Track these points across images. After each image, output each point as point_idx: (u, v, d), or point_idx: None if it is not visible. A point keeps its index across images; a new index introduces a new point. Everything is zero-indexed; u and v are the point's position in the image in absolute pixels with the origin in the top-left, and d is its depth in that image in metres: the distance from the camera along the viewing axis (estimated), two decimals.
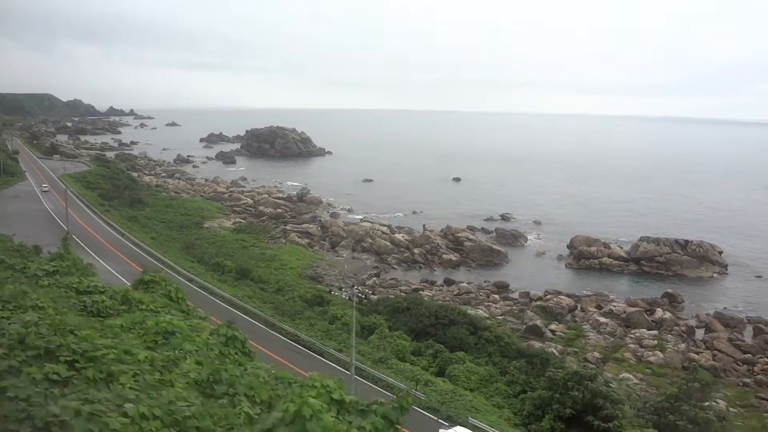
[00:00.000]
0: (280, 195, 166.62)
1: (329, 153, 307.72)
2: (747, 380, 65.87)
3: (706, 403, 45.53)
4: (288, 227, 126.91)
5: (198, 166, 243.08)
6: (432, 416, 41.79)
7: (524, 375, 50.57)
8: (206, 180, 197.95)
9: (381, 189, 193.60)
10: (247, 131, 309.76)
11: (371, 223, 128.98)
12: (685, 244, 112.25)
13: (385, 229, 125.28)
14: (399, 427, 10.02)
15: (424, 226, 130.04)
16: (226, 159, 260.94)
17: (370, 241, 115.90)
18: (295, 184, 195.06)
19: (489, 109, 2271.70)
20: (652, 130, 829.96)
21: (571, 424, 43.95)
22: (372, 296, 76.91)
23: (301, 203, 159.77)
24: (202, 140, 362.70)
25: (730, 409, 57.23)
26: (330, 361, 50.40)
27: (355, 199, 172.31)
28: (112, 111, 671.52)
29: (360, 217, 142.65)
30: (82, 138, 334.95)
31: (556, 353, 66.70)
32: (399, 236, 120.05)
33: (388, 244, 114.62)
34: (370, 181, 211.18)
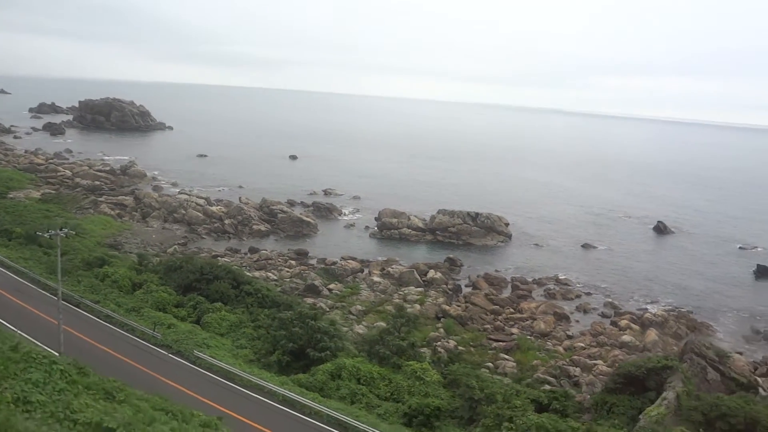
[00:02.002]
0: (103, 168, 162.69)
1: (169, 128, 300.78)
2: (487, 326, 76.68)
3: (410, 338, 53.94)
4: (101, 199, 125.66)
5: (21, 137, 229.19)
6: (164, 351, 46.76)
7: (270, 320, 56.62)
8: (26, 151, 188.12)
9: (213, 164, 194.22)
10: (80, 102, 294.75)
11: (188, 195, 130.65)
12: (475, 216, 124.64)
13: (202, 201, 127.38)
14: None
15: (239, 198, 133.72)
16: (54, 130, 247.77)
17: (183, 212, 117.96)
18: (124, 157, 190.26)
19: (342, 91, 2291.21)
20: (503, 118, 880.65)
21: (297, 357, 50.57)
22: (155, 258, 79.93)
23: (124, 176, 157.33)
24: (31, 110, 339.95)
25: (460, 347, 67.10)
26: (83, 310, 53.93)
27: (183, 173, 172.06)
28: None
29: (179, 190, 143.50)
30: None
31: (325, 307, 74.08)
32: (214, 208, 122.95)
33: (201, 215, 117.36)
34: (205, 156, 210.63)
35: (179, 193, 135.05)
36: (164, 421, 23.33)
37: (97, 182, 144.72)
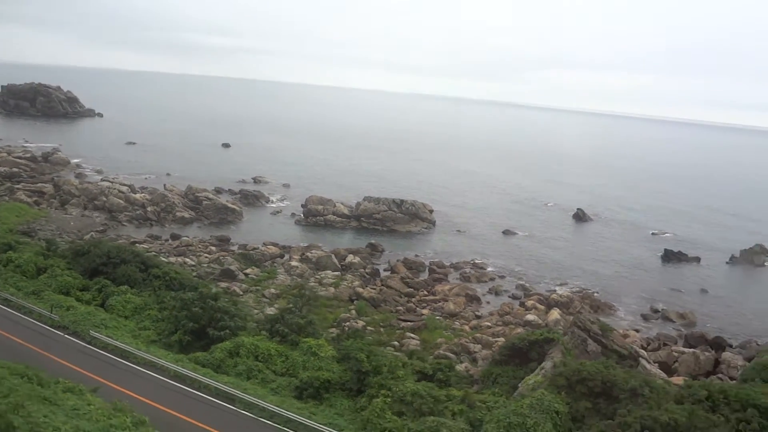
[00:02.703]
0: (23, 155, 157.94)
1: (99, 115, 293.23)
2: (400, 308, 79.06)
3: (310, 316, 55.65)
4: (18, 186, 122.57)
5: None
6: (60, 332, 47.09)
7: (174, 302, 57.17)
8: None
9: (142, 152, 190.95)
10: (2, 87, 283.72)
11: (110, 182, 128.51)
12: (400, 203, 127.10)
13: (125, 188, 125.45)
14: None
15: (164, 185, 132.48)
16: None
17: (104, 199, 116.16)
18: (48, 145, 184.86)
19: (295, 81, 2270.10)
20: (446, 109, 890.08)
21: (199, 337, 51.49)
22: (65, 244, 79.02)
23: (46, 164, 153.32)
24: None
25: (369, 327, 69.20)
26: None
27: (109, 161, 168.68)
28: None
29: (102, 177, 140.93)
30: None
31: (239, 290, 75.06)
32: (137, 195, 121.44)
33: (122, 202, 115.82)
34: (134, 144, 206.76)
35: (102, 180, 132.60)
36: (18, 383, 24.10)
37: (16, 169, 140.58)
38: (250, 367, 46.75)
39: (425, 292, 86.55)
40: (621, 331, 79.01)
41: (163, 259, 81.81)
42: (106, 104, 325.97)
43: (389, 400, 38.47)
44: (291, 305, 55.46)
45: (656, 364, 66.53)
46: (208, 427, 36.07)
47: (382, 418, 37.39)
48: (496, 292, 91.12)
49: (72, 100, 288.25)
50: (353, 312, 73.60)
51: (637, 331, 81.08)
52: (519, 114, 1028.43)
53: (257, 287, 77.84)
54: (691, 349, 73.25)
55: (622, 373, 39.18)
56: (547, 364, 46.44)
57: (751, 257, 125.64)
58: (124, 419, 29.95)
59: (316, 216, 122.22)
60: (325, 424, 37.43)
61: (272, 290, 76.11)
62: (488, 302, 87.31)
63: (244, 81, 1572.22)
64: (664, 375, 58.91)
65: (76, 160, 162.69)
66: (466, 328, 73.93)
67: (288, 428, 37.01)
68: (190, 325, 50.63)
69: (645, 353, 66.33)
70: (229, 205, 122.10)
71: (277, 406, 38.63)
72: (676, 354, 71.92)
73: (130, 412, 31.32)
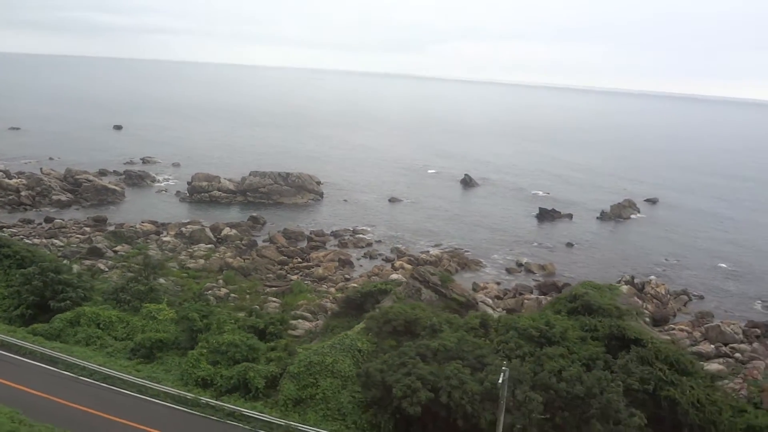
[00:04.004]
0: None
1: None
2: (270, 275, 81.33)
3: (156, 281, 57.21)
4: None
5: None
6: None
7: (19, 278, 57.10)
8: None
9: (25, 137, 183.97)
10: None
11: None
12: (286, 176, 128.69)
13: (0, 174, 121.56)
14: None
15: (41, 169, 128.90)
16: None
17: None
18: None
19: (200, 60, 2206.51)
20: (353, 84, 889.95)
21: (43, 310, 52.01)
22: None
23: None
24: None
25: (233, 295, 71.16)
26: None
27: None
28: None
29: None
30: None
31: (103, 267, 75.35)
32: (12, 181, 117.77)
33: None
34: (17, 129, 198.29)
35: None
36: None
37: None
38: (90, 334, 47.90)
39: (299, 260, 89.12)
40: (481, 284, 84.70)
41: (27, 241, 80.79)
42: None
43: (205, 351, 40.81)
44: (134, 274, 56.65)
45: (504, 311, 71.96)
46: (25, 388, 37.38)
47: (197, 367, 39.75)
48: (371, 256, 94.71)
49: None
50: (220, 281, 75.27)
51: (498, 283, 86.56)
52: (425, 86, 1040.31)
53: (124, 263, 78.05)
54: (541, 296, 79.38)
55: (422, 312, 42.62)
56: (373, 313, 49.78)
57: (619, 211, 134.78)
58: None
59: (200, 193, 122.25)
60: (144, 378, 39.47)
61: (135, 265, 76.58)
62: (361, 265, 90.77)
63: (151, 62, 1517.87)
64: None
65: None
66: (333, 290, 76.95)
67: (106, 384, 38.79)
68: (31, 299, 51.17)
69: (488, 300, 71.74)
70: (110, 186, 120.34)
71: (99, 366, 40.29)
72: (527, 301, 77.61)
73: None
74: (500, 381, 28.69)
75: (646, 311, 79.60)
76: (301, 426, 35.14)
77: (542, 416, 31.13)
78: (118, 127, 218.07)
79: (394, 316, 41.69)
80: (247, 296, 72.72)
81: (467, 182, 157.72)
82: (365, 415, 35.54)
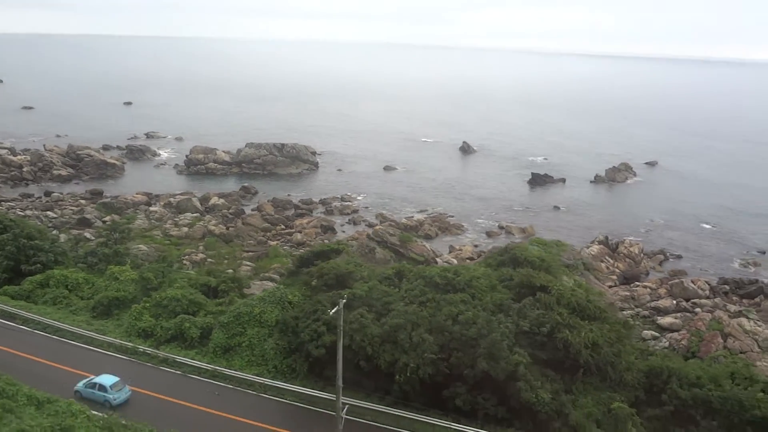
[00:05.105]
0: None
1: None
2: (251, 241, 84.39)
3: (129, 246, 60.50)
4: None
5: None
6: None
7: None
8: None
9: (38, 116, 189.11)
10: None
11: None
12: (281, 147, 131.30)
13: (4, 152, 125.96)
14: None
15: (44, 146, 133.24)
16: None
17: None
18: None
19: (216, 35, 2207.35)
20: (374, 56, 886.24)
21: (18, 274, 55.56)
22: None
23: None
24: None
25: (209, 260, 74.40)
26: None
27: (1, 126, 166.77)
28: None
29: None
30: None
31: (89, 236, 79.01)
32: (16, 158, 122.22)
33: None
34: (31, 108, 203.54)
35: None
36: None
37: None
38: (57, 295, 51.34)
39: (283, 227, 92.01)
40: (457, 246, 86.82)
41: (20, 213, 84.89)
42: (7, 70, 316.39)
43: (149, 305, 43.93)
44: (104, 239, 60.00)
45: None
46: None
47: (139, 320, 42.94)
48: (355, 222, 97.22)
49: None
50: (201, 248, 78.54)
51: (475, 246, 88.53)
52: (444, 56, 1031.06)
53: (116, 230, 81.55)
54: None
55: (351, 266, 44.96)
56: (312, 269, 52.34)
57: (613, 175, 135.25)
58: None
59: (197, 165, 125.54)
60: (94, 331, 42.79)
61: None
62: (344, 231, 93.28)
63: (163, 39, 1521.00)
64: None
65: None
66: None
67: (57, 336, 42.17)
68: (5, 263, 54.76)
69: (453, 260, 73.79)
70: (110, 160, 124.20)
71: (53, 320, 43.67)
72: None
73: None
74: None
75: (617, 269, 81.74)
76: (226, 371, 38.14)
77: (435, 356, 33.55)
78: (128, 104, 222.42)
79: (327, 270, 44.19)
80: (225, 261, 75.93)
81: (465, 150, 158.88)
82: (286, 360, 38.34)
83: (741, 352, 53.09)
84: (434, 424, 33.79)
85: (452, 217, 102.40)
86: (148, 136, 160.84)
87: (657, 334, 61.37)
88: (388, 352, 34.36)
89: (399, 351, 34.11)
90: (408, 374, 33.35)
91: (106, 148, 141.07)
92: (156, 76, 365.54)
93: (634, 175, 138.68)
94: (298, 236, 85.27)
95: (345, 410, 30.35)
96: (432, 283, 38.57)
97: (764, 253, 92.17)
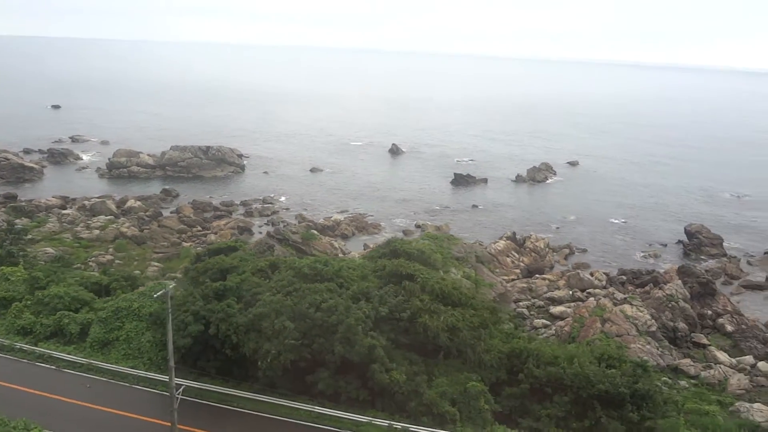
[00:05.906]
0: None
1: None
2: (165, 243, 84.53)
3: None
4: None
5: None
6: None
7: None
8: None
9: None
10: None
11: None
12: (206, 150, 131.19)
13: None
14: None
15: None
16: None
17: None
18: None
19: (152, 38, 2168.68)
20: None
21: None
22: None
23: None
24: None
25: (118, 261, 74.50)
26: None
27: None
28: None
29: None
30: None
31: None
32: None
33: None
34: None
35: None
36: None
37: None
38: None
39: (199, 228, 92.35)
40: (372, 245, 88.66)
41: None
42: None
43: (30, 303, 44.35)
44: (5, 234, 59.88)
45: None
46: None
47: (18, 317, 43.33)
48: (273, 223, 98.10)
49: None
50: (110, 250, 78.39)
51: None
52: (391, 61, 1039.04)
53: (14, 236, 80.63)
54: None
55: (245, 263, 46.34)
56: (199, 264, 53.36)
57: (534, 174, 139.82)
58: None
59: (119, 168, 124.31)
60: None
61: (34, 237, 79.42)
62: (260, 233, 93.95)
63: (100, 41, 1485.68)
64: None
65: None
66: None
67: None
68: None
69: (354, 254, 75.71)
70: (28, 164, 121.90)
71: None
72: None
73: None
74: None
75: (522, 263, 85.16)
76: (102, 364, 39.01)
77: (296, 342, 35.22)
78: (56, 107, 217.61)
79: (211, 265, 45.43)
80: (135, 262, 76.05)
81: (394, 151, 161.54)
82: (162, 352, 39.41)
83: (617, 336, 56.45)
84: (298, 408, 35.49)
85: (371, 216, 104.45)
86: (74, 139, 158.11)
87: (548, 323, 64.64)
88: (253, 340, 35.85)
89: (263, 339, 35.64)
90: (269, 360, 34.89)
91: (26, 151, 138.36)
92: (88, 78, 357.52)
93: (555, 174, 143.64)
94: (212, 237, 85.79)
95: (180, 390, 31.79)
96: (301, 274, 40.22)
97: (665, 245, 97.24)
